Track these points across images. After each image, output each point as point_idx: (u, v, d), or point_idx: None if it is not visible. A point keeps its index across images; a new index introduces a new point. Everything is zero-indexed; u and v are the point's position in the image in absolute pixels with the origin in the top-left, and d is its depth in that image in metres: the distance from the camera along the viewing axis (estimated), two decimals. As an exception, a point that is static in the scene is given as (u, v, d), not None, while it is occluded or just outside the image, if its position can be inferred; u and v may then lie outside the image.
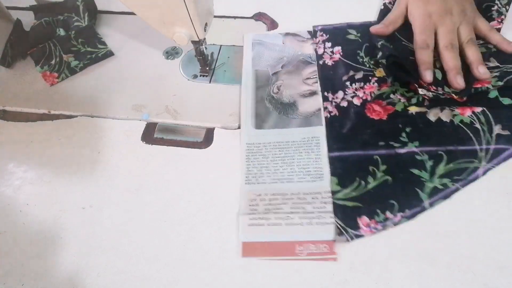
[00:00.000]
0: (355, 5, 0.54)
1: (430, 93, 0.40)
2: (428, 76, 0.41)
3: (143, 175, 0.40)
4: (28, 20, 0.53)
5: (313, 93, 0.44)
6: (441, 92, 0.40)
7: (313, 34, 0.51)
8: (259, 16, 0.55)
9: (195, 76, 0.48)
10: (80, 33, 0.51)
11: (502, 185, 0.36)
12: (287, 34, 0.51)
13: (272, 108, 0.43)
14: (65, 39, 0.50)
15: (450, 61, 0.42)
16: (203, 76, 0.48)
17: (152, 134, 0.43)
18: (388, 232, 0.34)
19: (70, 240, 0.36)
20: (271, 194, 0.37)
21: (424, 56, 0.42)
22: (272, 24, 0.54)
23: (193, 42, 0.43)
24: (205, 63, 0.47)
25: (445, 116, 0.40)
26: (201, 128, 0.43)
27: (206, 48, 0.46)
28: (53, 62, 0.49)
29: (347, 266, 0.33)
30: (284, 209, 0.35)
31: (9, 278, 0.34)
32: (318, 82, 0.45)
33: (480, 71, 0.41)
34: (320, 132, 0.41)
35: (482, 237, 0.33)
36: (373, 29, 0.47)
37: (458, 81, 0.41)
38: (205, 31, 0.42)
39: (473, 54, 0.42)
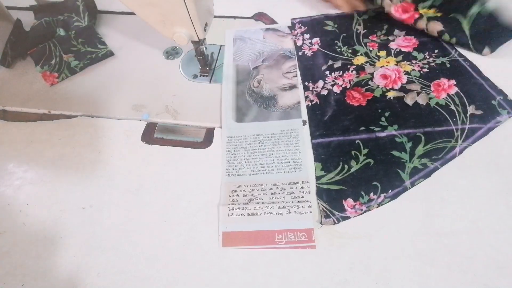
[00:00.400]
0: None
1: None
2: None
3: (143, 175, 0.40)
4: (28, 20, 0.53)
5: (292, 87, 0.46)
6: None
7: (291, 26, 0.52)
8: (259, 16, 0.55)
9: (195, 76, 0.48)
10: (80, 33, 0.51)
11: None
12: (267, 29, 0.53)
13: (253, 101, 0.45)
14: (65, 39, 0.50)
15: None
16: (203, 76, 0.48)
17: (152, 134, 0.43)
18: (388, 232, 0.34)
19: (70, 240, 0.36)
20: (251, 185, 0.38)
21: None
22: (272, 24, 0.54)
23: (193, 42, 0.43)
24: (205, 63, 0.47)
25: (422, 99, 0.41)
26: (201, 128, 0.43)
27: (206, 48, 0.46)
28: (53, 62, 0.49)
29: (347, 266, 0.33)
30: (263, 199, 0.36)
31: (9, 278, 0.34)
32: (298, 73, 0.46)
33: None
34: (298, 124, 0.42)
35: (482, 237, 0.33)
36: None
37: None
38: (205, 31, 0.42)
39: None
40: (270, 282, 0.33)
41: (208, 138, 0.42)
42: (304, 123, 0.42)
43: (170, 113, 0.44)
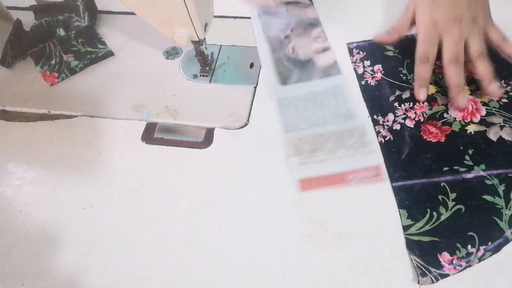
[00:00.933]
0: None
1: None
2: (421, 95, 0.41)
3: (143, 175, 0.40)
4: (28, 20, 0.53)
5: (326, 49, 0.47)
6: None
7: (349, 52, 0.49)
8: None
9: (195, 76, 0.48)
10: (80, 33, 0.51)
11: None
12: (288, 3, 0.53)
13: (292, 66, 0.47)
14: (65, 39, 0.50)
15: (453, 77, 0.39)
16: (203, 76, 0.48)
17: (152, 134, 0.43)
18: (388, 232, 0.34)
19: (70, 240, 0.36)
20: (311, 137, 0.40)
21: (421, 71, 0.40)
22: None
23: (193, 42, 0.43)
24: (205, 63, 0.47)
25: (507, 134, 0.38)
26: (201, 128, 0.43)
27: (206, 48, 0.46)
28: (53, 62, 0.49)
29: (347, 266, 0.33)
30: (328, 146, 0.39)
31: (9, 278, 0.34)
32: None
33: (492, 88, 0.39)
34: (340, 80, 0.44)
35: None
36: (377, 37, 0.46)
37: (459, 100, 0.39)
38: (205, 31, 0.42)
39: (483, 69, 0.39)
40: (270, 282, 0.33)
41: (208, 138, 0.42)
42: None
43: (170, 113, 0.44)
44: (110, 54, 0.51)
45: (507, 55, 0.42)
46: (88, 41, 0.51)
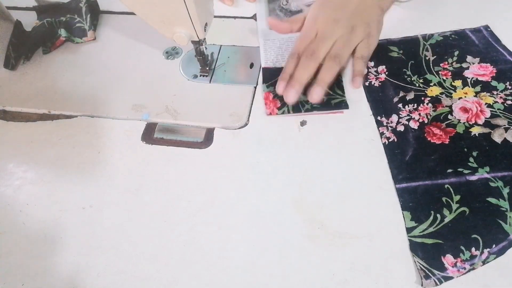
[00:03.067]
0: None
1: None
2: (280, 87, 0.42)
3: (143, 175, 0.40)
4: (28, 20, 0.53)
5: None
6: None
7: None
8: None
9: (195, 76, 0.48)
10: None
11: None
12: None
13: (283, 15, 0.52)
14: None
15: (298, 68, 0.41)
16: (203, 76, 0.48)
17: (152, 134, 0.43)
18: (388, 232, 0.34)
19: (70, 240, 0.36)
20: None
21: (287, 65, 0.43)
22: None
23: (193, 42, 0.43)
24: (205, 63, 0.47)
25: (511, 136, 0.38)
26: (201, 128, 0.43)
27: (206, 48, 0.46)
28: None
29: (347, 266, 0.33)
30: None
31: (9, 278, 0.34)
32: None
33: (313, 93, 0.41)
34: None
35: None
36: (270, 21, 0.48)
37: (286, 93, 0.41)
38: (205, 31, 0.42)
39: (323, 71, 0.41)
40: (270, 282, 0.33)
41: (208, 138, 0.42)
42: None
43: (170, 113, 0.44)
44: (345, 106, 0.43)
45: (352, 71, 0.45)
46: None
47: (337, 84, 0.44)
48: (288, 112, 0.43)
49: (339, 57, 0.42)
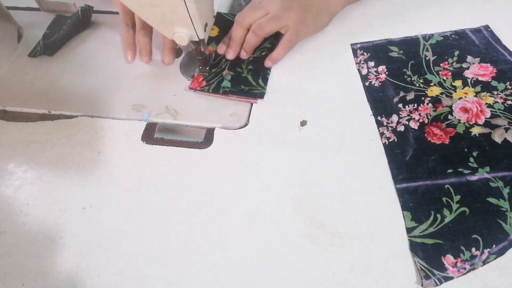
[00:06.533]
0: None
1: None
2: (229, 54, 0.48)
3: (143, 175, 0.40)
4: (28, 20, 0.53)
5: None
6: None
7: (353, 53, 0.49)
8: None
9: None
10: (255, 62, 0.50)
11: None
12: None
13: (245, 5, 0.52)
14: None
15: (233, 32, 0.47)
16: (203, 76, 0.48)
17: (152, 134, 0.43)
18: (388, 232, 0.34)
19: (70, 240, 0.36)
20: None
21: (234, 32, 0.47)
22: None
23: (193, 42, 0.43)
24: (205, 63, 0.47)
25: (511, 136, 0.38)
26: (201, 128, 0.43)
27: (206, 48, 0.46)
28: (214, 70, 0.49)
29: (347, 266, 0.33)
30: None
31: (9, 278, 0.34)
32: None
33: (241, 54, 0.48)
34: None
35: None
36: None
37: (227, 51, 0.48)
38: (205, 31, 0.42)
39: (247, 39, 0.47)
40: (270, 282, 0.33)
41: (208, 138, 0.42)
42: None
43: (170, 113, 0.44)
44: (260, 96, 0.45)
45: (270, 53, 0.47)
46: (255, 72, 0.47)
47: (262, 76, 0.46)
48: (208, 91, 0.45)
49: (260, 27, 0.45)
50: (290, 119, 0.43)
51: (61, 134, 0.44)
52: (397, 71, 0.46)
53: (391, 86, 0.44)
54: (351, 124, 0.42)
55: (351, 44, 0.49)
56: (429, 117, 0.41)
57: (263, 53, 0.48)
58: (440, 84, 0.44)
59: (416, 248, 0.33)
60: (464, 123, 0.40)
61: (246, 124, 0.43)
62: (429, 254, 0.32)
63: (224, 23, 0.52)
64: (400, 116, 0.42)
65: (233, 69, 0.47)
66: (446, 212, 0.34)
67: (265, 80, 0.46)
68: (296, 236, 0.35)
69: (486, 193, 0.35)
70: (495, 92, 0.42)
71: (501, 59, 0.45)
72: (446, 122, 0.40)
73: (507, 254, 0.32)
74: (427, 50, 0.47)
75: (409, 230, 0.34)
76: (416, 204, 0.35)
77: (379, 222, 0.35)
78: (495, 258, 0.32)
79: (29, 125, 0.45)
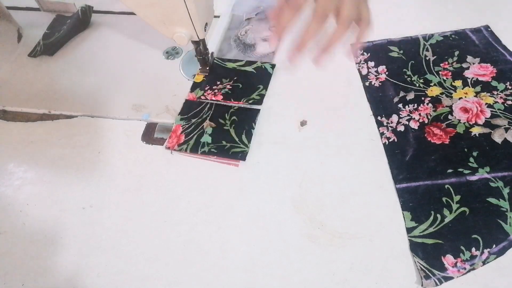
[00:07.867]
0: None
1: None
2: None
3: (143, 175, 0.40)
4: (29, 20, 0.53)
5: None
6: None
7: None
8: (259, 16, 0.55)
9: (195, 76, 0.48)
10: (241, 113, 0.44)
11: None
12: None
13: (235, 46, 0.51)
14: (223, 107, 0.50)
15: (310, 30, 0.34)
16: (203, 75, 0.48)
17: (152, 134, 0.43)
18: (388, 232, 0.34)
19: (70, 240, 0.36)
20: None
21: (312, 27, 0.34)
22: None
23: (193, 42, 0.43)
24: (205, 63, 0.47)
25: (511, 136, 0.38)
26: (201, 128, 0.43)
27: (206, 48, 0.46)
28: (193, 120, 0.43)
29: (347, 266, 0.33)
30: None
31: (9, 278, 0.34)
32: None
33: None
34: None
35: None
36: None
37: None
38: (205, 31, 0.42)
39: (336, 32, 0.35)
40: (270, 282, 0.33)
41: (208, 138, 0.42)
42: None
43: (170, 113, 0.44)
44: (242, 157, 0.40)
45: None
46: (238, 125, 0.42)
47: (246, 132, 0.41)
48: (186, 151, 0.40)
49: (346, 20, 0.35)
50: (290, 119, 0.43)
51: (61, 134, 0.44)
52: (397, 71, 0.46)
53: (391, 86, 0.44)
54: (351, 124, 0.42)
55: (351, 44, 0.49)
56: (429, 117, 0.41)
57: (250, 102, 0.44)
58: (440, 84, 0.44)
59: (416, 248, 0.33)
60: (464, 123, 0.40)
61: (246, 124, 0.43)
62: (429, 254, 0.32)
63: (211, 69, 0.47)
64: (400, 116, 0.42)
65: (216, 120, 0.43)
66: (446, 212, 0.34)
67: (249, 137, 0.41)
68: (296, 236, 0.35)
69: (486, 193, 0.35)
70: (495, 92, 0.42)
71: (501, 59, 0.45)
72: (446, 122, 0.40)
73: (507, 254, 0.32)
74: (427, 50, 0.47)
75: (409, 230, 0.34)
76: (416, 204, 0.35)
77: (379, 222, 0.35)
78: (495, 258, 0.32)
79: (29, 125, 0.45)
